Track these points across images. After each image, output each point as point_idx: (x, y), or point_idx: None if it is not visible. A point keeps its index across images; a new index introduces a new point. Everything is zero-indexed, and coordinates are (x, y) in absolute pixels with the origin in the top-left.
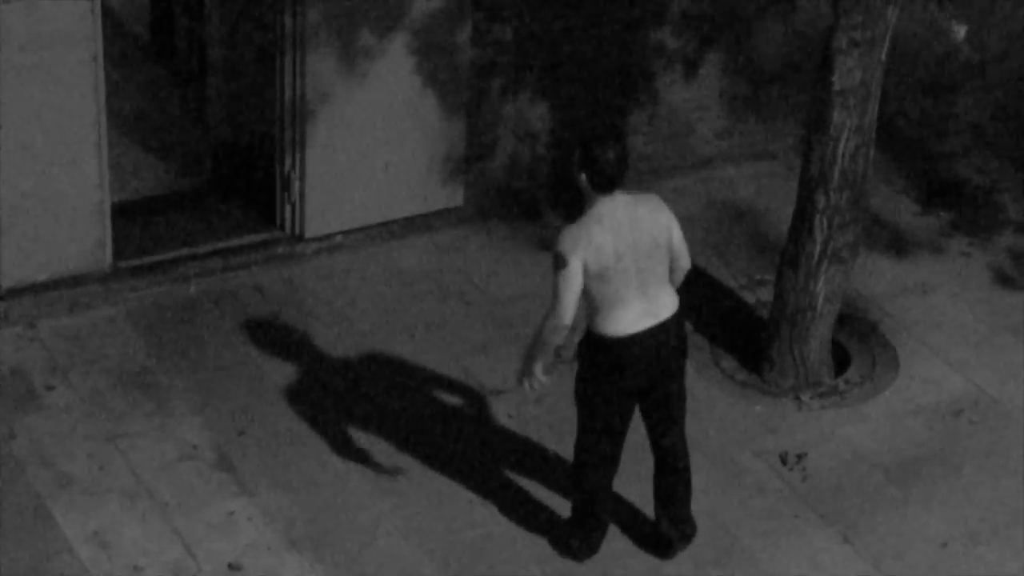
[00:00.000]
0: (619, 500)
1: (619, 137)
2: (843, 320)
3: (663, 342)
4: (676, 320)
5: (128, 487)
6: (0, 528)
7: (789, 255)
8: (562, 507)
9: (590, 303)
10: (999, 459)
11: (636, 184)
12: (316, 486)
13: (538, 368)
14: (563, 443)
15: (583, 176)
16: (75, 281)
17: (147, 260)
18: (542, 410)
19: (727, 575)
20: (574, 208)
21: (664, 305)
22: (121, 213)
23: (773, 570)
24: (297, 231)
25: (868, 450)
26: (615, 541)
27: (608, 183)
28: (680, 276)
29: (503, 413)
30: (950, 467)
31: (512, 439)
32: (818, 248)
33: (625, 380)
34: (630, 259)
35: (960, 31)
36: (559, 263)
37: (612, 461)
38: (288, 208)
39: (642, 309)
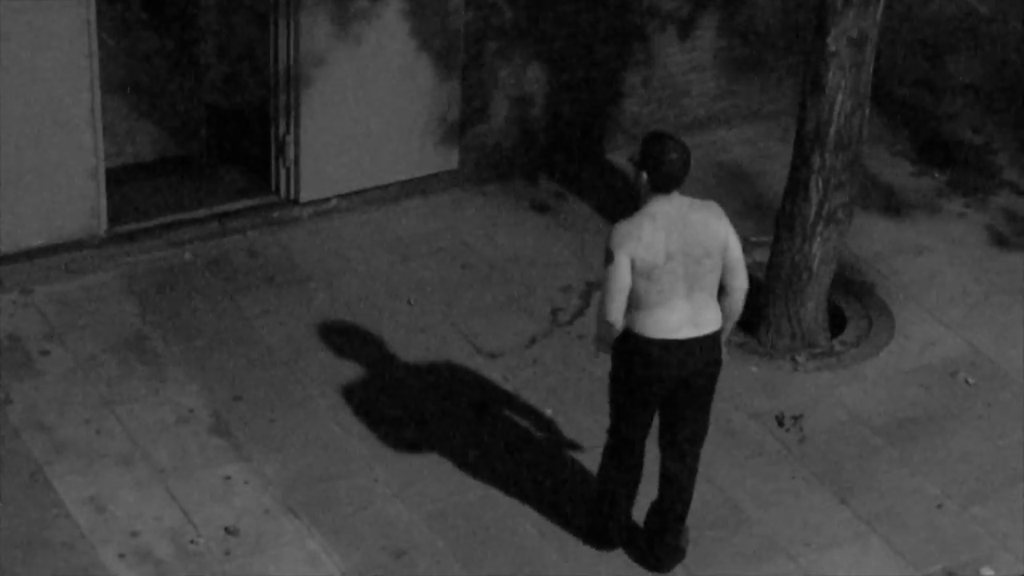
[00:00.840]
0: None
1: (677, 138)
2: (839, 281)
3: (698, 355)
4: (714, 341)
5: (125, 452)
6: None
7: (785, 216)
8: (560, 469)
9: (634, 301)
10: (995, 419)
11: (633, 145)
12: (312, 450)
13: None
14: (559, 406)
15: (643, 175)
16: (70, 246)
17: (142, 225)
18: (538, 373)
19: (724, 537)
20: (568, 168)
21: (708, 319)
22: (116, 178)
23: (770, 531)
24: (292, 195)
25: (864, 411)
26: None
27: (669, 183)
28: (738, 297)
29: (499, 376)
30: (946, 428)
31: (507, 402)
32: (814, 209)
33: (653, 385)
34: (679, 261)
35: None
36: (607, 258)
37: (632, 468)
38: (283, 172)
39: (686, 316)
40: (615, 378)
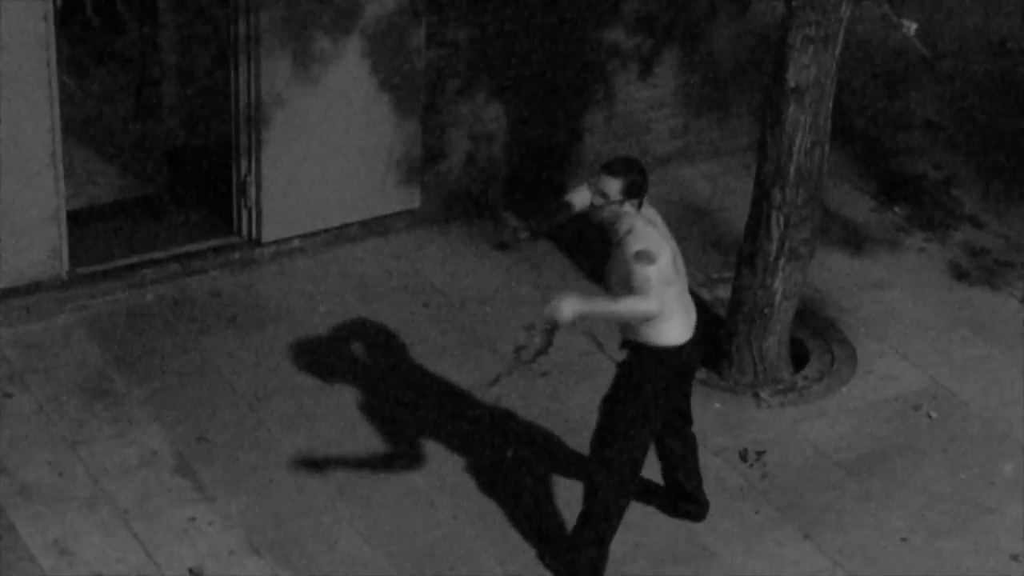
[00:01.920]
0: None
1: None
2: (801, 317)
3: (701, 341)
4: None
5: (88, 494)
6: None
7: (746, 252)
8: (523, 507)
9: (657, 315)
10: (958, 453)
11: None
12: (276, 490)
13: (580, 310)
14: (520, 445)
15: (628, 203)
16: (32, 288)
17: (104, 267)
18: (502, 411)
19: (689, 573)
20: (528, 207)
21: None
22: (77, 220)
23: (734, 567)
24: (254, 236)
25: (827, 446)
26: None
27: (642, 195)
28: None
29: (463, 414)
30: (909, 461)
31: (471, 440)
32: (775, 245)
33: (680, 384)
34: (680, 259)
35: (911, 27)
36: (649, 259)
37: (639, 472)
38: (245, 213)
39: (690, 313)
40: (637, 391)
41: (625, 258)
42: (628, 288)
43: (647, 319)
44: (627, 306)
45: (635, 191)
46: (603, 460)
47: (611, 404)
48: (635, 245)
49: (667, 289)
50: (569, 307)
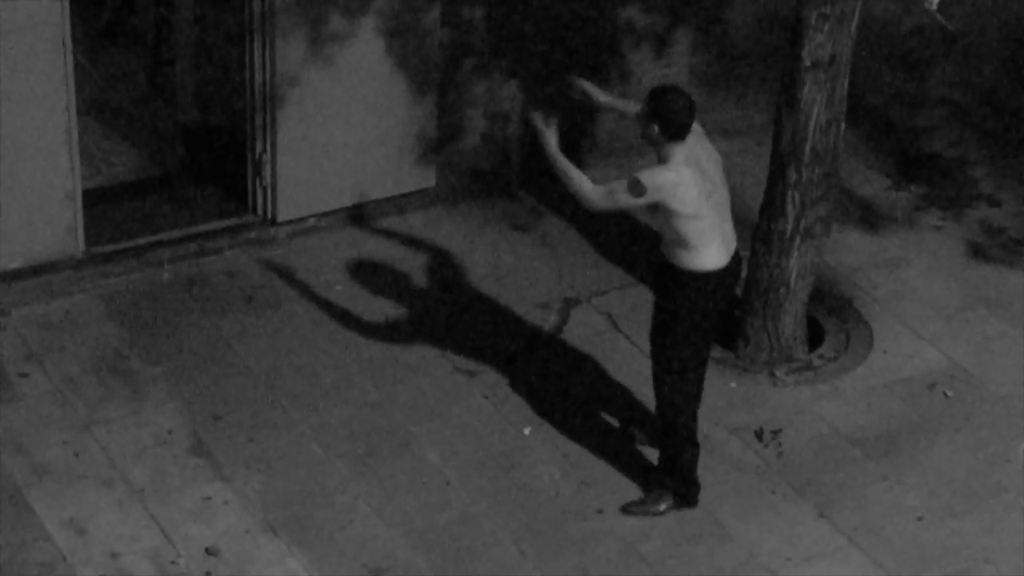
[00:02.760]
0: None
1: (679, 87)
2: (817, 295)
3: (738, 268)
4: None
5: (104, 474)
6: None
7: (762, 231)
8: (535, 484)
9: (683, 243)
10: (973, 432)
11: (610, 161)
12: (292, 470)
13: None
14: (537, 424)
15: (655, 127)
16: (47, 268)
17: (119, 246)
18: (516, 391)
19: (704, 551)
20: (545, 186)
21: (734, 232)
22: (93, 199)
23: (751, 546)
24: (269, 215)
25: (843, 425)
26: (591, 522)
27: (681, 130)
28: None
29: (478, 393)
30: (925, 441)
31: (488, 419)
32: (790, 224)
33: (716, 311)
34: (718, 194)
35: (933, 1)
36: (636, 189)
37: (700, 393)
38: (260, 192)
39: (729, 237)
40: (678, 318)
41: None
42: (653, 210)
43: (580, 198)
44: (579, 179)
45: (672, 131)
46: (663, 396)
47: (655, 335)
48: (644, 173)
49: (699, 223)
50: (544, 138)
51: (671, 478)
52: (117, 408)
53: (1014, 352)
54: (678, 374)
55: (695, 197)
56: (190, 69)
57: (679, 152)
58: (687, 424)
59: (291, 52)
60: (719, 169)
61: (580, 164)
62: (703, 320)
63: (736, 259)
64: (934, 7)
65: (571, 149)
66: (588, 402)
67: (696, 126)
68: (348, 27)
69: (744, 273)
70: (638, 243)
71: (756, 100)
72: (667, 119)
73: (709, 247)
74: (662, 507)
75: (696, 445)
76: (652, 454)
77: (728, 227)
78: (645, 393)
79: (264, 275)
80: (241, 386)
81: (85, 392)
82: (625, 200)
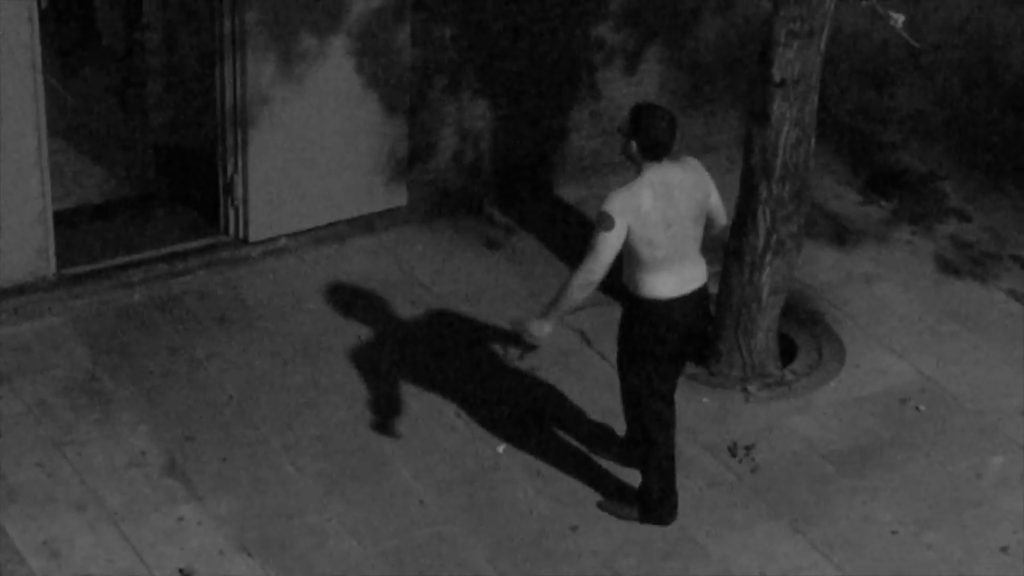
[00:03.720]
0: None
1: (663, 106)
2: (789, 311)
3: (701, 304)
4: (707, 288)
5: (77, 495)
6: None
7: (733, 247)
8: (509, 502)
9: (636, 267)
10: (946, 446)
11: (582, 179)
12: (265, 489)
13: (552, 323)
14: (511, 441)
15: (633, 144)
16: (19, 290)
17: (91, 267)
18: (491, 408)
19: (679, 568)
20: (517, 205)
21: (701, 269)
22: (64, 221)
23: (724, 562)
24: (241, 235)
25: (816, 440)
26: (566, 540)
27: (659, 150)
28: (721, 229)
29: (451, 412)
30: (898, 455)
31: (462, 437)
32: (762, 240)
33: (675, 338)
34: (679, 225)
35: (899, 19)
36: (605, 224)
37: (672, 421)
38: (232, 212)
39: (688, 273)
40: (631, 342)
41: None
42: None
43: (590, 284)
44: (574, 282)
45: (649, 149)
46: (633, 418)
47: (617, 358)
48: (605, 203)
49: (653, 250)
50: (539, 328)
51: (645, 496)
52: (90, 430)
53: (985, 366)
54: (637, 396)
55: (646, 224)
56: (161, 90)
57: (650, 173)
58: (659, 445)
59: (262, 72)
60: (695, 206)
61: (551, 185)
62: (657, 348)
63: (699, 295)
64: (899, 25)
65: (543, 168)
66: (561, 419)
67: (693, 161)
68: (319, 47)
69: (715, 290)
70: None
71: (727, 117)
72: (645, 136)
73: (658, 274)
74: (632, 513)
75: (665, 467)
76: (625, 473)
77: (688, 264)
78: (617, 411)
79: (236, 295)
80: (214, 406)
81: (57, 414)
82: (603, 241)
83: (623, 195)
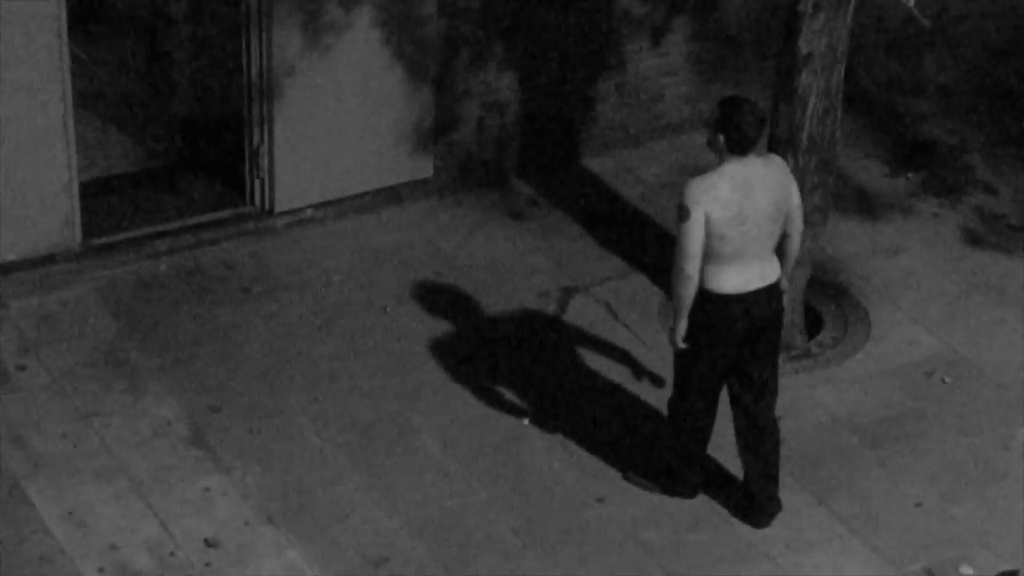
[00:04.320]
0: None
1: (752, 100)
2: (814, 283)
3: (767, 305)
4: (778, 287)
5: (103, 466)
6: None
7: None
8: (535, 474)
9: (706, 256)
10: (971, 418)
11: (608, 151)
12: (291, 461)
13: (681, 326)
14: (537, 414)
15: (721, 137)
16: (45, 260)
17: (117, 238)
18: (517, 380)
19: (704, 539)
20: (543, 177)
21: (774, 270)
22: (89, 191)
23: (750, 534)
24: (267, 206)
25: (842, 412)
26: (592, 511)
27: (745, 145)
28: (796, 240)
29: (477, 383)
30: (923, 427)
31: (487, 409)
32: None
33: (727, 337)
34: (753, 222)
35: None
36: (683, 215)
37: (708, 420)
38: (257, 183)
39: (756, 272)
40: (693, 330)
41: None
42: None
43: (688, 278)
44: (673, 284)
45: (736, 144)
46: (670, 403)
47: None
48: (682, 194)
49: (721, 244)
50: (675, 339)
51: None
52: (115, 400)
53: (1011, 338)
54: (680, 387)
55: (721, 216)
56: (187, 61)
57: (731, 167)
58: (685, 443)
59: (288, 43)
60: (773, 204)
61: (578, 156)
62: (707, 341)
63: (765, 295)
64: (911, 3)
65: (569, 140)
66: (587, 391)
67: (778, 159)
68: (344, 18)
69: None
70: (637, 232)
71: (753, 88)
72: (734, 131)
73: (726, 269)
74: (655, 486)
75: (693, 469)
76: (653, 445)
77: (756, 263)
78: (643, 382)
79: (261, 266)
80: (239, 377)
81: (83, 384)
82: (685, 233)
83: (700, 185)
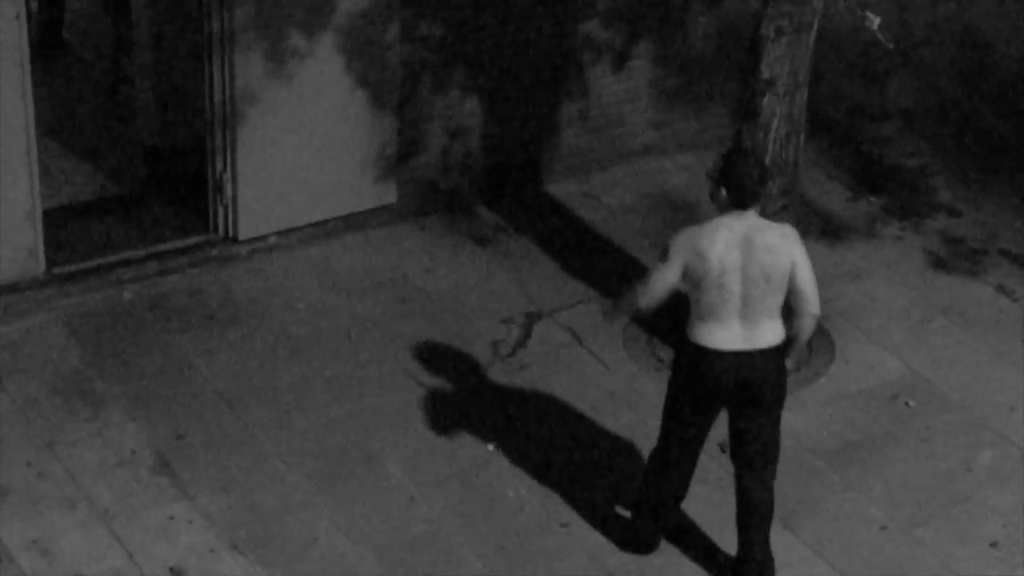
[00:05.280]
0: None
1: (757, 156)
2: None
3: (751, 369)
4: (772, 356)
5: (67, 494)
6: None
7: None
8: (500, 499)
9: (693, 309)
10: (935, 442)
11: (571, 176)
12: (256, 488)
13: (617, 313)
14: (501, 439)
15: (723, 191)
16: (8, 288)
17: (81, 266)
18: (481, 405)
19: (672, 563)
20: (507, 202)
21: (763, 337)
22: (53, 219)
23: (716, 558)
24: (231, 233)
25: (806, 436)
26: (557, 536)
27: (744, 200)
28: (807, 323)
29: (442, 409)
30: (888, 451)
31: (452, 435)
32: None
33: (701, 391)
34: (734, 279)
35: (875, 20)
36: (661, 256)
37: (678, 472)
38: (221, 210)
39: (739, 333)
40: (671, 384)
41: None
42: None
43: (635, 307)
44: (631, 294)
45: (737, 198)
46: (651, 452)
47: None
48: (673, 236)
49: (699, 294)
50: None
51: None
52: (80, 428)
53: (974, 361)
54: (661, 438)
55: (698, 265)
56: (150, 87)
57: (729, 218)
58: (647, 488)
59: (251, 70)
60: (768, 267)
61: (542, 181)
62: (681, 394)
63: (749, 359)
64: (875, 27)
65: (532, 165)
66: (552, 416)
67: (788, 228)
68: (307, 45)
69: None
70: (601, 258)
71: (716, 113)
72: (737, 184)
73: (707, 323)
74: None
75: (648, 521)
76: (618, 470)
77: (745, 325)
78: (608, 408)
79: (226, 293)
80: (204, 404)
81: (47, 412)
82: (655, 272)
83: (690, 233)
